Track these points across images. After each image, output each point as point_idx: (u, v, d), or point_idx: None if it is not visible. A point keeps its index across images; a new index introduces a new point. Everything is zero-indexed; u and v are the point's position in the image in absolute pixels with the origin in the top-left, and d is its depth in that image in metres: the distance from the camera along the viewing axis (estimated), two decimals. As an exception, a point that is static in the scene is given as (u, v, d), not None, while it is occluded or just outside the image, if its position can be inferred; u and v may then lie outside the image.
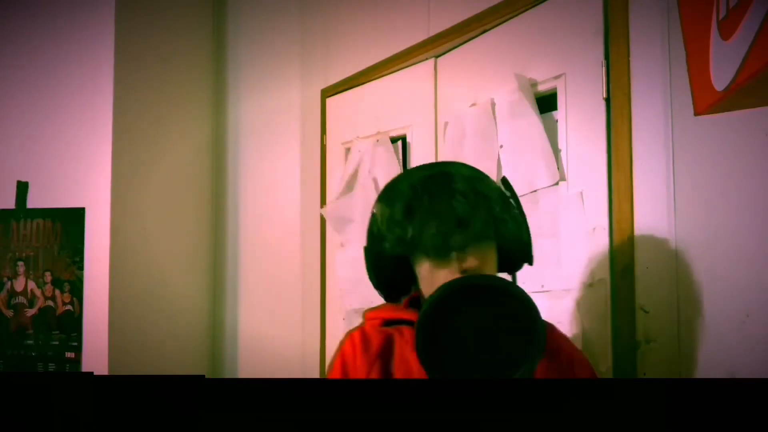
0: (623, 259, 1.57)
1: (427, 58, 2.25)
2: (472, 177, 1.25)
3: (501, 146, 1.91)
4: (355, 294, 2.39)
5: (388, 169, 2.36)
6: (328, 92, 2.69)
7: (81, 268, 2.67)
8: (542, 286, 1.76)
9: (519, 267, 1.32)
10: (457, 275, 1.18)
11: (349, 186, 2.50)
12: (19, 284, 2.75)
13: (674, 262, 1.46)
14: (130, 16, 2.78)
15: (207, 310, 3.06)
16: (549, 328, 1.34)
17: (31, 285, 2.74)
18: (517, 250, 1.27)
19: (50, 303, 2.71)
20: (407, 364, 1.23)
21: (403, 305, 1.33)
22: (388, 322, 1.30)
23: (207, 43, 3.15)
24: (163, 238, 2.88)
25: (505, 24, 1.95)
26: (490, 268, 1.23)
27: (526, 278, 1.80)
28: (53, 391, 0.87)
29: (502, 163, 1.90)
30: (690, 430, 0.80)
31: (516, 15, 1.91)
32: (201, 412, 0.84)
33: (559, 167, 1.74)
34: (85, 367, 2.64)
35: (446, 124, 2.14)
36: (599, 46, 1.66)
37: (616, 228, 1.59)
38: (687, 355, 1.43)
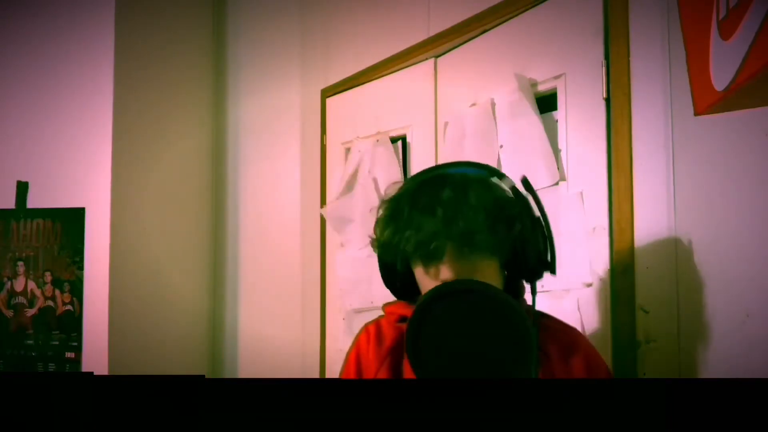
0: (623, 259, 1.57)
1: (427, 58, 2.25)
2: (465, 183, 1.21)
3: (501, 146, 1.91)
4: (355, 294, 2.39)
5: (388, 169, 2.36)
6: (328, 92, 2.69)
7: (81, 268, 2.67)
8: (542, 286, 1.76)
9: (539, 275, 1.27)
10: (447, 279, 1.18)
11: (349, 186, 2.50)
12: (19, 284, 2.75)
13: (674, 262, 1.46)
14: (130, 16, 2.78)
15: (207, 310, 3.06)
16: (572, 333, 1.34)
17: (31, 285, 2.74)
18: (528, 256, 1.23)
19: (50, 303, 2.71)
20: None
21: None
22: (404, 319, 1.29)
23: (207, 43, 3.14)
24: (163, 238, 2.88)
25: (505, 24, 1.95)
26: (486, 276, 1.19)
27: (526, 278, 1.81)
28: (53, 391, 0.87)
29: (502, 163, 1.90)
30: (690, 430, 0.80)
31: (516, 15, 1.91)
32: (201, 412, 0.84)
33: (559, 167, 1.74)
34: (85, 367, 2.64)
35: (446, 124, 2.14)
36: (599, 46, 1.66)
37: (616, 228, 1.59)
38: (687, 355, 1.43)
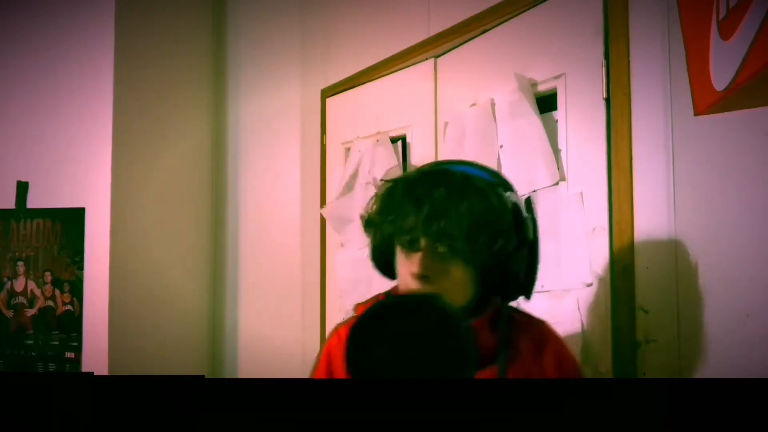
0: (623, 259, 1.57)
1: (427, 58, 2.25)
2: (465, 183, 1.20)
3: (501, 146, 1.91)
4: (355, 294, 2.39)
5: (388, 169, 2.36)
6: (328, 92, 2.69)
7: (81, 268, 2.67)
8: (542, 286, 1.76)
9: (512, 297, 1.28)
10: (409, 276, 1.20)
11: (349, 186, 2.50)
12: (19, 284, 2.75)
13: (674, 262, 1.46)
14: (130, 16, 2.78)
15: (207, 310, 3.06)
16: (541, 327, 1.34)
17: (31, 285, 2.74)
18: (507, 275, 1.23)
19: (50, 303, 2.71)
20: None
21: (395, 294, 1.33)
22: None
23: (207, 43, 3.14)
24: (163, 238, 2.88)
25: (505, 24, 1.95)
26: (452, 283, 1.20)
27: (526, 278, 1.81)
28: (53, 391, 0.87)
29: (502, 163, 1.90)
30: (690, 430, 0.80)
31: (516, 15, 1.91)
32: (201, 412, 0.84)
33: (559, 167, 1.74)
34: (85, 367, 2.64)
35: (446, 124, 2.14)
36: (599, 46, 1.66)
37: (616, 228, 1.59)
38: (687, 355, 1.43)
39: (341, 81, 2.61)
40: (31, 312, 2.73)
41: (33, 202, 2.76)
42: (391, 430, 0.83)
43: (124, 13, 2.75)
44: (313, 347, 2.63)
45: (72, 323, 2.67)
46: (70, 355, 2.67)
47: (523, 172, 1.83)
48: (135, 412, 0.85)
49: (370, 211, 1.29)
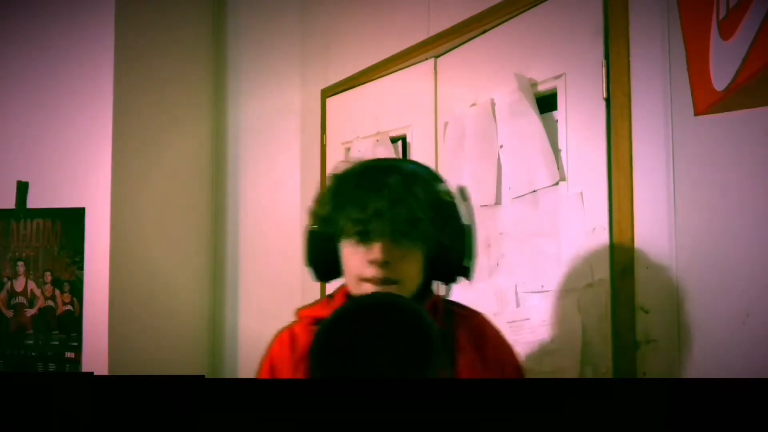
0: (623, 259, 1.57)
1: (427, 58, 2.25)
2: (410, 174, 1.25)
3: (501, 146, 1.91)
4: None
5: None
6: (328, 92, 2.69)
7: (81, 268, 2.67)
8: (542, 286, 1.76)
9: (454, 279, 1.31)
10: (365, 265, 1.20)
11: (349, 186, 2.49)
12: (19, 284, 2.75)
13: (674, 262, 1.46)
14: (130, 17, 2.78)
15: (207, 310, 3.06)
16: (475, 315, 1.37)
17: (31, 285, 2.74)
18: (451, 259, 1.27)
19: (50, 303, 2.71)
20: None
21: (337, 299, 1.33)
22: (319, 321, 1.30)
23: (207, 43, 3.14)
24: (163, 238, 2.88)
25: (505, 24, 1.95)
26: (409, 268, 1.23)
27: (527, 278, 1.81)
28: (53, 391, 0.87)
29: (502, 163, 1.90)
30: (690, 430, 0.80)
31: (516, 15, 1.91)
32: (201, 412, 0.84)
33: (559, 167, 1.74)
34: (85, 367, 2.64)
35: (446, 124, 2.14)
36: (599, 46, 1.66)
37: (616, 228, 1.59)
38: (687, 355, 1.43)
39: (341, 81, 2.61)
40: (31, 312, 2.73)
41: (33, 202, 2.75)
42: (390, 430, 0.83)
43: (124, 13, 2.75)
44: (313, 347, 2.63)
45: (72, 323, 2.67)
46: (70, 355, 2.67)
47: (523, 172, 1.83)
48: (135, 412, 0.86)
49: (316, 207, 1.30)
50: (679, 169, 1.47)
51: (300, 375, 1.25)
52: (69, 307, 2.68)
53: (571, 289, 1.68)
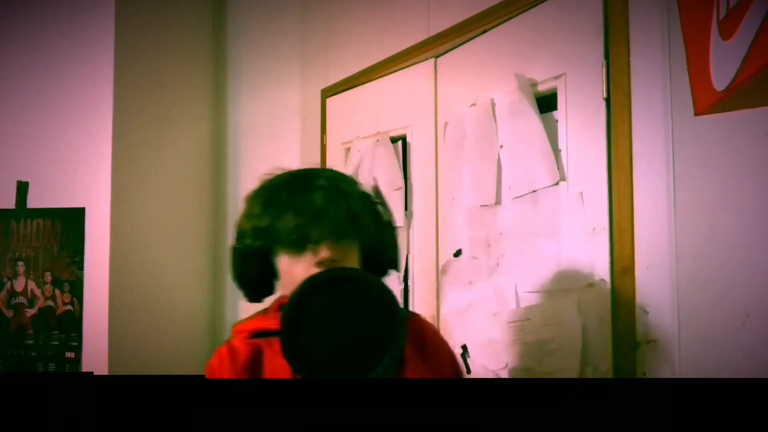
0: (623, 259, 1.57)
1: (427, 58, 2.25)
2: (336, 177, 1.28)
3: (501, 146, 1.91)
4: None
5: (388, 169, 2.36)
6: (328, 92, 2.69)
7: (81, 268, 2.67)
8: (542, 286, 1.76)
9: (386, 273, 1.33)
10: (312, 269, 1.18)
11: (349, 186, 2.49)
12: (19, 284, 2.75)
13: (674, 262, 1.46)
14: (130, 17, 2.78)
15: (207, 310, 3.06)
16: (413, 316, 1.38)
17: (31, 285, 2.74)
18: (382, 252, 1.30)
19: (50, 303, 2.71)
20: (277, 375, 1.20)
21: (272, 313, 1.31)
22: (257, 334, 1.28)
23: (207, 43, 3.14)
24: (163, 238, 2.88)
25: (505, 24, 1.95)
26: (352, 265, 1.24)
27: (527, 278, 1.81)
28: (53, 391, 0.87)
29: (502, 163, 1.90)
30: (690, 430, 0.80)
31: (516, 15, 1.91)
32: (201, 412, 0.84)
33: (559, 167, 1.74)
34: (85, 367, 2.64)
35: (446, 124, 2.14)
36: (599, 46, 1.66)
37: (616, 228, 1.59)
38: (687, 355, 1.43)
39: (341, 81, 2.61)
40: (31, 312, 2.73)
41: (33, 202, 2.75)
42: (391, 430, 0.83)
43: (124, 13, 2.75)
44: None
45: (72, 323, 2.67)
46: (70, 355, 2.67)
47: (523, 172, 1.83)
48: (135, 412, 0.85)
49: (249, 222, 1.27)
50: (679, 169, 1.47)
51: None
52: (69, 307, 2.68)
53: (571, 289, 1.68)
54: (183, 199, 3.00)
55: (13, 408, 0.86)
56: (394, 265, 1.34)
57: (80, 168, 2.71)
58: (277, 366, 1.20)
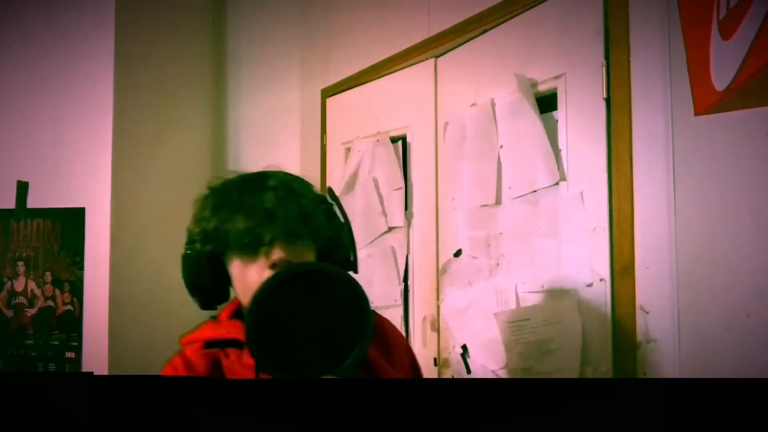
0: (623, 259, 1.57)
1: (427, 58, 2.25)
2: (287, 178, 1.24)
3: (501, 146, 1.91)
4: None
5: (388, 169, 2.36)
6: (328, 92, 2.69)
7: (81, 268, 2.67)
8: (542, 286, 1.76)
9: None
10: (266, 271, 1.15)
11: (350, 186, 2.50)
12: (19, 284, 2.75)
13: (674, 262, 1.46)
14: (130, 17, 2.77)
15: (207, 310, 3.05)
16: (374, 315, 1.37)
17: (31, 285, 2.74)
18: (338, 253, 1.27)
19: (50, 303, 2.71)
20: None
21: (224, 321, 1.28)
22: (210, 344, 1.25)
23: (207, 43, 3.14)
24: (163, 238, 2.87)
25: (505, 24, 1.95)
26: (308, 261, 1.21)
27: (526, 278, 1.81)
28: (53, 391, 0.87)
29: (502, 163, 1.90)
30: (690, 431, 0.80)
31: (516, 15, 1.91)
32: (200, 412, 0.84)
33: (559, 167, 1.74)
34: (85, 367, 2.64)
35: (446, 124, 2.14)
36: (599, 46, 1.66)
37: (616, 228, 1.59)
38: (687, 355, 1.43)
39: (341, 81, 2.61)
40: (31, 312, 2.73)
41: (33, 202, 2.75)
42: (391, 430, 0.83)
43: (124, 13, 2.75)
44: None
45: (72, 323, 2.67)
46: (70, 355, 2.67)
47: (523, 172, 1.83)
48: (135, 412, 0.85)
49: (198, 226, 1.24)
50: (679, 169, 1.47)
51: None
52: (69, 307, 2.68)
53: (571, 289, 1.68)
54: (183, 199, 2.99)
55: (13, 408, 0.86)
56: (352, 267, 1.29)
57: (80, 168, 2.71)
58: (237, 374, 1.18)
